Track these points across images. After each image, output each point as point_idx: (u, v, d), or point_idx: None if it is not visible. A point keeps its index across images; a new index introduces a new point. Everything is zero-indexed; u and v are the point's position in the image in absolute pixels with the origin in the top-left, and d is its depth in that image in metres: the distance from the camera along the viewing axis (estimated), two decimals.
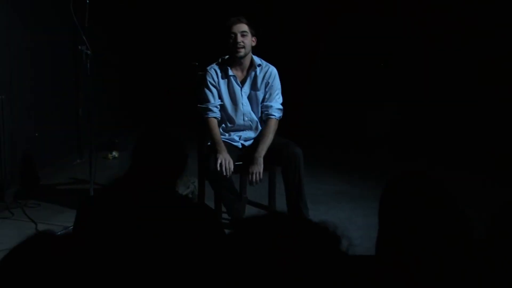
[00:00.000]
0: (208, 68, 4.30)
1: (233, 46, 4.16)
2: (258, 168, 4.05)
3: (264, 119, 4.31)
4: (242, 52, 4.17)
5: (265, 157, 4.13)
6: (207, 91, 4.26)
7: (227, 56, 4.30)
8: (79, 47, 4.36)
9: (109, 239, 2.16)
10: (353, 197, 5.02)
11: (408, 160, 6.14)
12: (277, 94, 4.31)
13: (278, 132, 4.35)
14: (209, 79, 4.26)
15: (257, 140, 4.28)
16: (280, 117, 4.30)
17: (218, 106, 4.26)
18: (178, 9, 7.50)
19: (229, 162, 4.02)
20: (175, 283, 2.12)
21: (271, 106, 4.27)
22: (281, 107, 4.31)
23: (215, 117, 4.25)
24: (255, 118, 4.34)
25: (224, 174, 4.00)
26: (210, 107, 4.24)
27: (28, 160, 5.16)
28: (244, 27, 4.17)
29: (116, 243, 2.14)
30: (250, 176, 4.05)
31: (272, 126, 4.24)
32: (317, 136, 6.69)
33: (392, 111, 6.95)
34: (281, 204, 4.33)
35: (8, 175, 4.84)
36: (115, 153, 6.29)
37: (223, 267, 1.37)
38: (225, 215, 4.37)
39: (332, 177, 5.61)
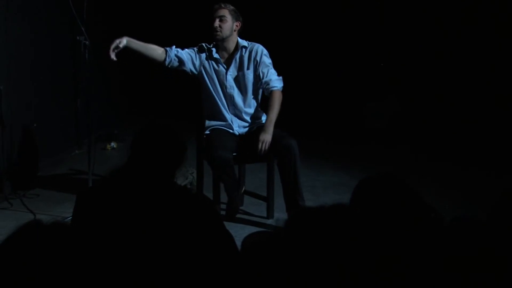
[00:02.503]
0: (200, 43, 4.42)
1: (211, 30, 4.29)
2: (268, 137, 4.10)
3: (267, 94, 4.32)
4: (218, 36, 4.29)
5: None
6: (186, 48, 4.36)
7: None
8: (78, 38, 4.35)
9: (107, 230, 2.16)
10: (352, 189, 5.01)
11: (406, 152, 6.16)
12: (271, 68, 4.35)
13: (277, 125, 4.34)
14: (196, 48, 4.38)
15: (256, 126, 4.35)
16: (282, 87, 4.32)
17: (178, 58, 4.32)
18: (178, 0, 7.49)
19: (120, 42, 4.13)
20: (173, 274, 2.12)
21: (270, 79, 4.31)
22: (279, 77, 4.35)
23: (165, 50, 4.30)
24: (239, 103, 4.37)
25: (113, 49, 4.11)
26: (174, 47, 4.33)
27: (27, 151, 5.16)
28: (223, 11, 4.29)
29: (115, 234, 2.14)
30: (260, 144, 4.09)
31: (277, 96, 4.27)
32: (316, 129, 6.70)
33: (390, 104, 6.95)
34: (279, 194, 4.34)
35: (7, 166, 4.84)
36: (114, 144, 6.30)
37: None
38: (223, 206, 4.38)
39: (332, 169, 5.62)
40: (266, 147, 4.09)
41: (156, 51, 4.30)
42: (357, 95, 7.13)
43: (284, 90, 4.37)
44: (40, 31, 5.43)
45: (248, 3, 6.92)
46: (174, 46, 4.33)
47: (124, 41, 4.15)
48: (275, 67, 4.39)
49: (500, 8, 6.28)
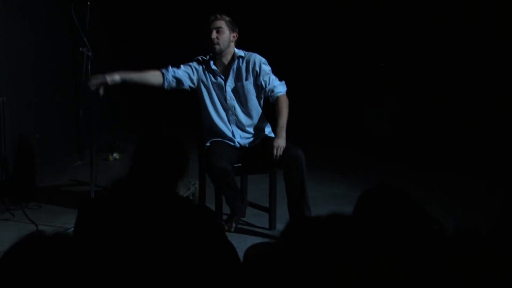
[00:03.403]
0: (197, 57, 4.40)
1: (209, 42, 4.27)
2: (282, 141, 4.08)
3: (273, 101, 4.31)
4: (216, 48, 4.27)
5: (266, 159, 4.14)
6: (182, 65, 4.35)
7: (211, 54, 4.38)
8: (80, 49, 4.36)
9: (109, 240, 2.16)
10: (353, 200, 4.99)
11: (406, 158, 6.15)
12: (272, 75, 4.34)
13: None
14: (192, 63, 4.36)
15: (260, 138, 4.34)
16: (286, 90, 4.32)
17: (175, 78, 4.31)
18: (179, 11, 7.51)
19: (101, 78, 4.15)
20: (176, 284, 2.11)
21: (274, 86, 4.30)
22: (282, 82, 4.34)
23: (162, 74, 4.29)
24: (240, 114, 4.35)
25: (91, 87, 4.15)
26: (170, 67, 4.31)
27: (29, 162, 5.15)
28: (219, 23, 4.27)
29: (117, 245, 2.14)
30: (274, 150, 4.06)
31: (284, 101, 4.27)
32: (316, 136, 6.68)
33: (390, 104, 6.93)
34: (281, 205, 4.33)
35: (9, 177, 4.83)
36: (116, 155, 6.29)
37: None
38: (225, 217, 4.37)
39: (331, 179, 5.61)
40: (281, 152, 4.07)
41: (153, 77, 4.30)
42: (357, 97, 7.10)
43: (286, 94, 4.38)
44: (43, 42, 5.45)
45: (247, 3, 6.96)
46: (170, 67, 4.32)
47: (116, 78, 4.17)
48: (274, 71, 4.38)
49: (500, 8, 6.28)
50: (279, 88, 4.30)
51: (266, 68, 4.34)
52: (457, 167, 5.80)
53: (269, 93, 4.31)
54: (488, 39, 6.36)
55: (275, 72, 4.38)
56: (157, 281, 2.08)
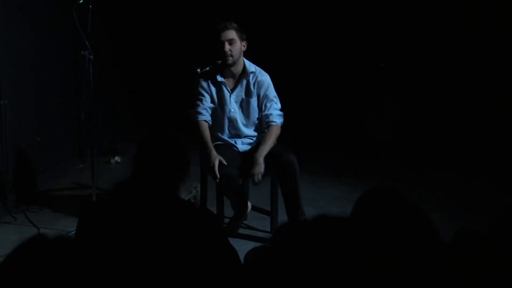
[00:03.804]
0: (200, 72, 4.34)
1: (221, 54, 4.18)
2: (259, 168, 4.06)
3: (266, 127, 4.30)
4: (230, 60, 4.19)
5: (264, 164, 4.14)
6: (198, 95, 4.29)
7: (220, 61, 4.29)
8: (82, 52, 4.36)
9: (111, 243, 2.16)
10: (354, 201, 4.99)
11: (405, 160, 6.16)
12: (275, 102, 4.32)
13: (279, 137, 4.34)
14: (201, 83, 4.29)
15: (257, 145, 4.31)
16: (281, 122, 4.31)
17: (209, 110, 4.28)
18: (180, 14, 7.52)
19: (217, 160, 4.05)
20: (177, 287, 2.12)
21: (271, 114, 4.28)
22: (280, 113, 4.32)
23: (205, 120, 4.27)
24: (242, 127, 4.34)
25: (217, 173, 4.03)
26: (199, 110, 4.27)
27: (30, 165, 5.17)
28: (231, 34, 4.16)
29: (118, 248, 2.14)
30: (255, 177, 4.06)
31: (274, 131, 4.24)
32: (318, 140, 6.69)
33: (390, 104, 6.93)
34: (283, 208, 4.33)
35: (11, 180, 4.84)
36: (117, 158, 6.30)
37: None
38: (227, 220, 4.37)
39: (333, 182, 5.60)
40: (260, 178, 4.07)
41: (208, 129, 4.27)
42: (357, 97, 7.10)
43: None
44: (44, 45, 5.45)
45: (246, 3, 6.95)
46: (200, 108, 4.25)
47: (217, 160, 4.05)
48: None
49: (500, 8, 6.28)
50: (275, 118, 4.27)
51: (271, 94, 4.31)
52: (457, 167, 5.81)
53: (264, 118, 4.30)
54: (488, 39, 6.37)
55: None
56: (159, 284, 2.09)
